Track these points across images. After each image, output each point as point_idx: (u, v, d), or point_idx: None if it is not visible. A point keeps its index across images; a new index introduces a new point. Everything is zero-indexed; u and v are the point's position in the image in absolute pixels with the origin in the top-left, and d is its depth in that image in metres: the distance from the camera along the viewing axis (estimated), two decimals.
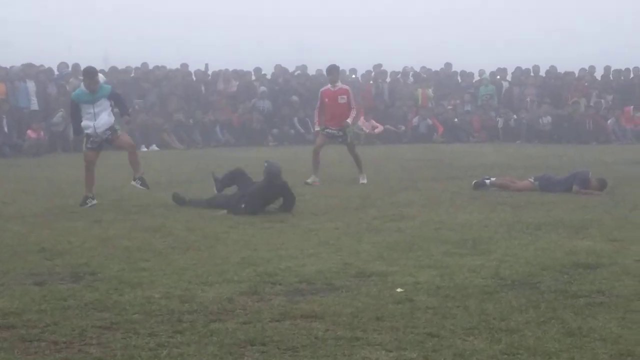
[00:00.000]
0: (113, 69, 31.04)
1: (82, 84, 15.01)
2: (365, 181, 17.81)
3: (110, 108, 14.76)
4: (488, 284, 8.40)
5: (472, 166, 20.70)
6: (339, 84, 18.53)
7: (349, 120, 18.12)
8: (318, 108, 18.65)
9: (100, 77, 15.71)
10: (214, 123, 30.67)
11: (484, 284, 8.40)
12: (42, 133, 26.73)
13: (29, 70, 28.85)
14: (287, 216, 13.05)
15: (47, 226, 12.28)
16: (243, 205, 13.31)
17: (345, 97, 18.20)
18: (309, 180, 17.60)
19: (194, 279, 8.66)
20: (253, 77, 33.30)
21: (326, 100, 18.20)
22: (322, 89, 18.81)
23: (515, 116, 32.24)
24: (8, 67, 29.43)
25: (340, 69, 33.70)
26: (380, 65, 34.39)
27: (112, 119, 14.83)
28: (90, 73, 15.00)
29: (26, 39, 41.16)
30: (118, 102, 15.06)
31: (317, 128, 18.65)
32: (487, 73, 34.91)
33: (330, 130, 18.20)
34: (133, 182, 15.14)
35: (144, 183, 15.01)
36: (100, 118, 14.59)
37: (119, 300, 7.81)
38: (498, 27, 48.99)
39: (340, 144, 18.52)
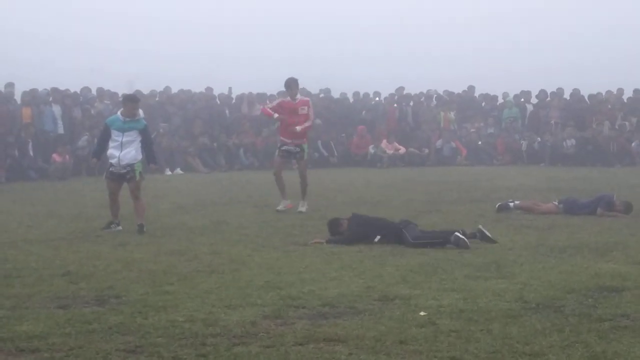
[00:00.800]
0: (137, 94, 31.20)
1: (119, 111, 14.90)
2: (304, 209, 16.83)
3: (139, 144, 14.62)
4: (512, 308, 8.38)
5: (495, 189, 20.66)
6: (299, 97, 17.43)
7: (298, 128, 16.99)
8: (271, 108, 17.43)
9: (140, 112, 15.52)
10: (237, 146, 30.77)
11: (507, 308, 8.37)
12: (67, 157, 26.89)
13: (55, 95, 29.05)
14: (311, 240, 13.03)
15: (72, 250, 12.35)
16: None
17: (305, 108, 17.26)
18: (279, 207, 17.03)
19: (218, 303, 8.69)
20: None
21: (287, 111, 17.04)
22: (284, 99, 17.74)
23: (539, 139, 32.16)
24: (36, 90, 29.54)
25: (364, 92, 34.13)
26: (402, 89, 34.41)
27: (138, 156, 14.67)
28: (134, 98, 15.23)
29: (51, 63, 41.53)
30: (146, 143, 14.78)
31: (275, 115, 17.17)
32: (511, 96, 34.84)
33: (287, 147, 17.32)
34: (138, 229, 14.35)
35: (141, 230, 14.18)
36: (126, 151, 14.50)
37: (143, 324, 7.84)
38: (522, 51, 48.97)
39: (298, 160, 17.57)
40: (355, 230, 12.87)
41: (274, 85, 33.93)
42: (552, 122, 33.03)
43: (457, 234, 12.29)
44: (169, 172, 28.26)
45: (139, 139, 14.62)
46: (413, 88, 35.03)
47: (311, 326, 7.76)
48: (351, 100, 34.41)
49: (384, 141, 31.31)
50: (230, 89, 33.67)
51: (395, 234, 12.64)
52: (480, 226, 12.92)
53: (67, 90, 30.14)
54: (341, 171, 28.50)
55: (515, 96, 34.80)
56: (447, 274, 10.18)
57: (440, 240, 12.34)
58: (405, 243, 12.35)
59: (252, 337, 7.44)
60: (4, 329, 7.68)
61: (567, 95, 34.46)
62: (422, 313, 8.16)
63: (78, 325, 7.77)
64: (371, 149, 31.03)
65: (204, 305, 8.57)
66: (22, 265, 10.97)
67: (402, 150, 31.40)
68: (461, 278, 9.89)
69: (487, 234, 12.64)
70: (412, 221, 13.15)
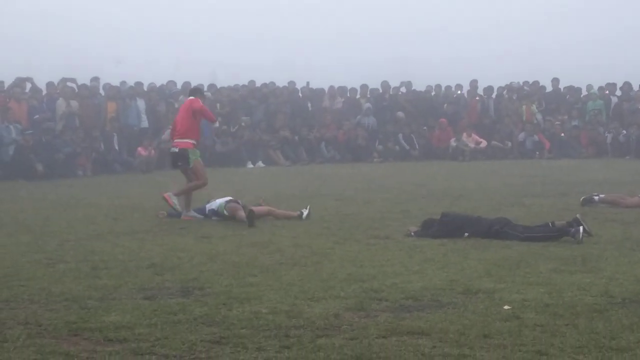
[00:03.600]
0: (220, 88, 31.59)
1: None
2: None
3: None
4: (597, 302, 8.27)
5: (580, 182, 20.38)
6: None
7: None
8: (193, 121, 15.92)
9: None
10: (319, 140, 30.84)
11: (593, 302, 8.27)
12: (152, 150, 27.23)
13: (139, 89, 29.44)
14: (393, 233, 13.02)
15: (157, 242, 12.53)
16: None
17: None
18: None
19: (301, 295, 8.73)
20: (358, 95, 33.27)
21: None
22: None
23: (624, 131, 31.59)
24: (119, 84, 29.96)
25: (446, 84, 33.88)
26: (475, 81, 33.96)
27: None
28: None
29: (136, 57, 41.99)
30: None
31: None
32: (596, 88, 34.29)
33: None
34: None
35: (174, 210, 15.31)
36: None
37: (228, 315, 7.92)
38: (607, 42, 48.07)
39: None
40: (444, 227, 12.75)
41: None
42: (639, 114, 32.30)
43: (581, 227, 12.00)
44: (251, 165, 28.47)
45: None
46: (495, 79, 34.69)
47: (394, 319, 7.76)
48: (433, 93, 34.18)
49: (464, 134, 31.11)
50: (308, 83, 33.48)
51: (486, 231, 12.49)
52: (578, 215, 12.71)
53: (152, 84, 30.56)
54: (422, 164, 28.41)
55: (600, 88, 34.24)
56: (532, 267, 10.09)
57: (556, 234, 12.16)
58: (509, 238, 12.15)
59: (335, 329, 7.47)
60: (92, 319, 7.83)
61: None
62: (506, 307, 8.11)
63: (164, 316, 7.88)
64: (453, 142, 30.85)
65: (287, 297, 8.63)
66: (109, 257, 11.17)
67: (484, 143, 31.15)
68: (546, 272, 9.80)
69: (584, 225, 12.34)
70: (508, 218, 12.96)
